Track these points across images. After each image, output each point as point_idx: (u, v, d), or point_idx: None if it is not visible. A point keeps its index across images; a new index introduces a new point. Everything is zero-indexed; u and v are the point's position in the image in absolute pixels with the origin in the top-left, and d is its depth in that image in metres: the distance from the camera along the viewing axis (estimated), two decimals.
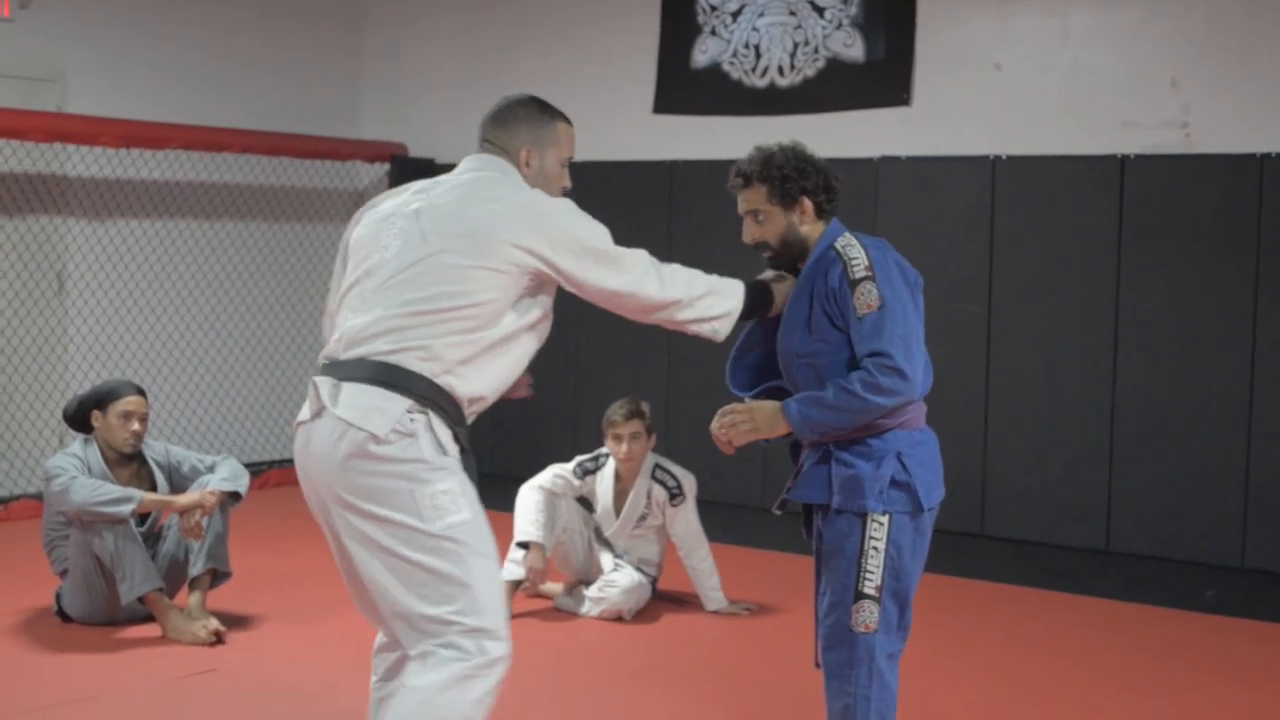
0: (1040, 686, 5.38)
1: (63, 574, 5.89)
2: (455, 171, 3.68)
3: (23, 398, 8.53)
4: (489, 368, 3.49)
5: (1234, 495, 7.37)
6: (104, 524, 5.59)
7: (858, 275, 3.58)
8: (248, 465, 6.22)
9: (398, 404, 3.37)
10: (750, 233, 3.79)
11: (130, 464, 5.90)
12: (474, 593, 3.39)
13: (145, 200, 9.07)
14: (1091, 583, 7.01)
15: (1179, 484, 7.50)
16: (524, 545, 6.02)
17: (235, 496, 5.86)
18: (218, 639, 5.64)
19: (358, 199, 10.27)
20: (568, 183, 3.74)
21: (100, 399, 5.89)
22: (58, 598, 5.95)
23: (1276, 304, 7.25)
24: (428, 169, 9.92)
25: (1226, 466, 7.39)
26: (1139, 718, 5.06)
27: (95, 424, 5.86)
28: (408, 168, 9.87)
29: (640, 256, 3.57)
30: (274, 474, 9.21)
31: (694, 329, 3.64)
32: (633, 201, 9.05)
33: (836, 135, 8.28)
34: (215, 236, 9.48)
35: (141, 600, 5.70)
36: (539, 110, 3.72)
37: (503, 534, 6.22)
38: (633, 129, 9.18)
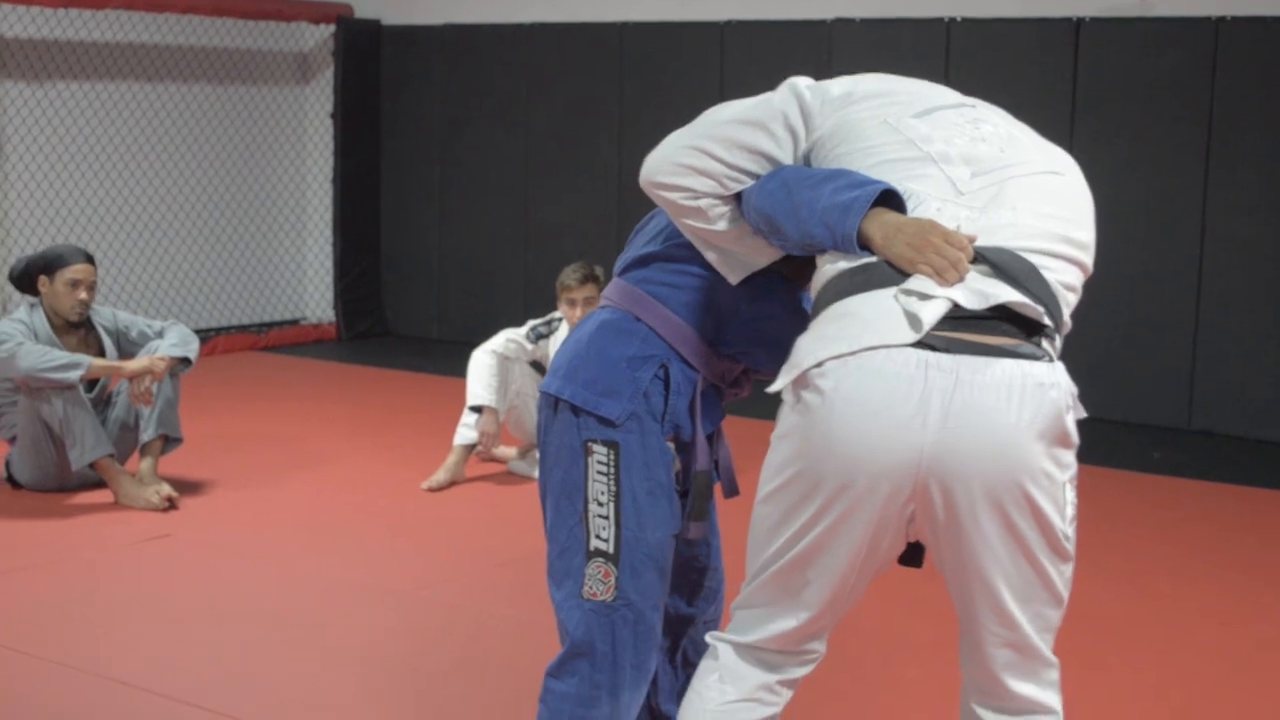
0: None
1: (11, 440, 5.84)
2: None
3: None
4: None
5: (1183, 358, 7.45)
6: (52, 390, 5.54)
7: None
8: (196, 331, 6.16)
9: None
10: None
11: (77, 330, 5.82)
12: None
13: (85, 62, 8.88)
14: None
15: (1129, 347, 7.56)
16: (477, 409, 6.01)
17: (185, 362, 5.80)
18: (170, 504, 5.63)
19: (302, 61, 10.09)
20: None
21: (48, 264, 5.79)
22: (7, 464, 5.91)
23: (1228, 168, 7.27)
24: (374, 31, 9.77)
25: (1176, 330, 7.45)
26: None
27: (42, 289, 5.77)
28: (354, 29, 9.71)
29: None
30: (222, 340, 9.14)
31: None
32: (582, 65, 8.93)
33: None
34: (158, 99, 9.30)
35: (92, 466, 5.67)
36: None
37: (456, 399, 6.26)
38: None
